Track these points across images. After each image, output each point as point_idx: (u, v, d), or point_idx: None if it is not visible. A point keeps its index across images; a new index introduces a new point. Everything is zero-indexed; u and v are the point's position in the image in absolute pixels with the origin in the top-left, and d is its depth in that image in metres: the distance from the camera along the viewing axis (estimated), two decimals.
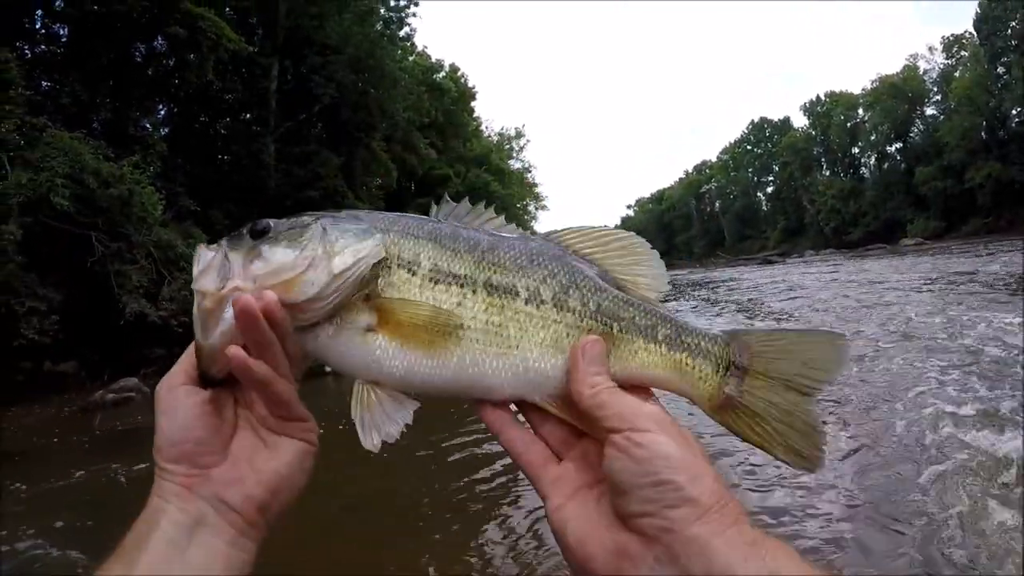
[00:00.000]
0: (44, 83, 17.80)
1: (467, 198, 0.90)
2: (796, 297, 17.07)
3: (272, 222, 0.79)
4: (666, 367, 0.82)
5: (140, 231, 14.80)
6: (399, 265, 0.79)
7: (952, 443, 5.17)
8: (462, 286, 0.79)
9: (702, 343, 0.84)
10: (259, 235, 0.77)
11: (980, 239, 24.98)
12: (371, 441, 0.76)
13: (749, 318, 14.62)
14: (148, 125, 20.89)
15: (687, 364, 0.82)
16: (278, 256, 0.76)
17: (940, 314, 10.50)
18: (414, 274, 0.78)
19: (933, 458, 4.95)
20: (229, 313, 0.73)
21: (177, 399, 0.76)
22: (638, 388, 0.80)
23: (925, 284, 14.88)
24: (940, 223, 40.28)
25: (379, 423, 0.76)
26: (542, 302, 0.80)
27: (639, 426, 0.69)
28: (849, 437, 5.76)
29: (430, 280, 0.78)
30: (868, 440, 5.60)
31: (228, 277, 0.75)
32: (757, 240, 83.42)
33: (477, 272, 0.80)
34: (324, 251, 0.76)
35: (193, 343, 0.77)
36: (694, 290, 24.28)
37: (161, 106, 22.18)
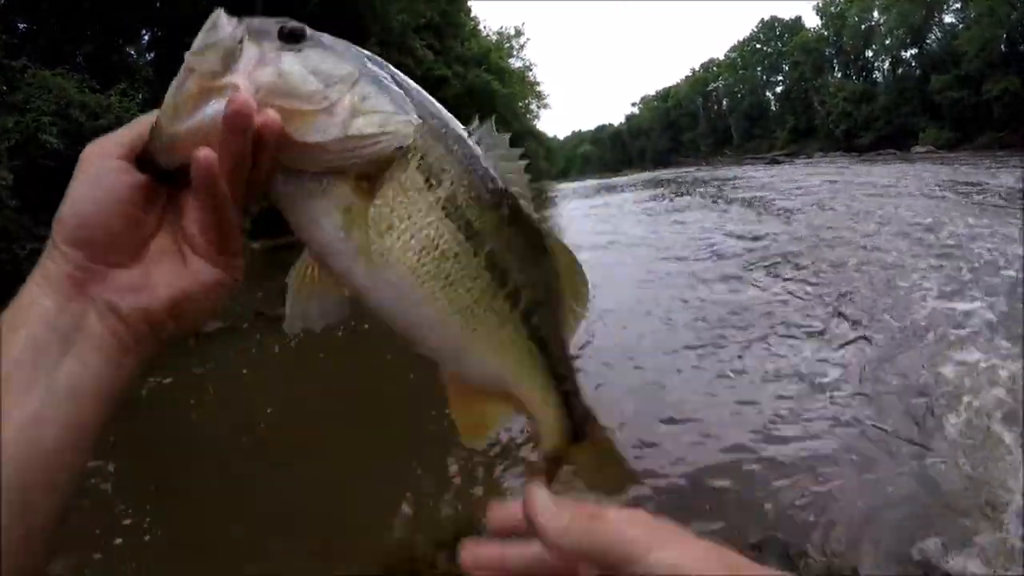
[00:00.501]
0: (20, 25, 17.56)
1: (507, 136, 0.71)
2: (803, 196, 16.90)
3: (309, 32, 0.63)
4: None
5: None
6: (419, 167, 0.63)
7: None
8: (468, 238, 0.64)
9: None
10: (289, 39, 0.62)
11: (992, 152, 24.50)
12: (294, 326, 0.64)
13: (757, 214, 14.43)
14: (133, 52, 20.65)
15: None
16: (298, 78, 0.61)
17: (945, 220, 10.38)
18: (430, 187, 0.63)
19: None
20: (215, 108, 0.58)
21: (105, 171, 0.62)
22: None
23: (933, 191, 14.67)
24: (953, 133, 39.56)
25: (309, 312, 0.65)
26: (515, 306, 0.68)
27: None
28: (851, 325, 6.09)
29: (441, 206, 0.63)
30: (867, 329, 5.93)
31: (233, 67, 0.60)
32: (765, 140, 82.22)
33: (490, 238, 0.65)
34: (351, 102, 0.61)
35: (150, 119, 0.62)
36: (700, 187, 24.02)
37: (145, 32, 21.66)
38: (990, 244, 8.47)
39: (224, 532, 3.93)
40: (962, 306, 6.31)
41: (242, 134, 0.57)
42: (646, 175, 38.60)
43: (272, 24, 0.62)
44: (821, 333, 6.16)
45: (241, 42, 0.60)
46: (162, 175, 0.62)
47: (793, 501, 3.64)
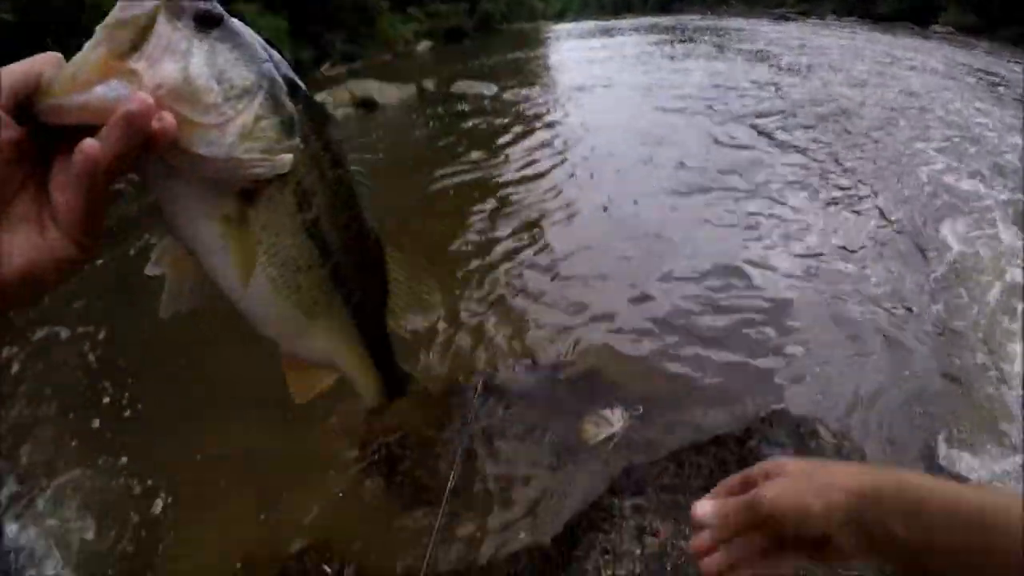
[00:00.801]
0: None
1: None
2: (813, 55, 16.13)
3: (228, 20, 0.60)
4: None
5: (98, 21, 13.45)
6: (294, 191, 0.65)
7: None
8: (322, 254, 0.70)
9: None
10: (203, 23, 0.58)
11: (1012, 47, 23.65)
12: (169, 310, 0.66)
13: (764, 68, 13.87)
14: None
15: None
16: (202, 85, 0.58)
17: (957, 102, 10.01)
18: (300, 210, 0.66)
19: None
20: (113, 92, 0.54)
21: None
22: None
23: (949, 71, 13.92)
24: (976, 18, 38.14)
25: (182, 298, 0.66)
26: (347, 303, 0.77)
27: None
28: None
29: (306, 228, 0.67)
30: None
31: (142, 49, 0.56)
32: None
33: (338, 254, 0.72)
34: (243, 122, 0.60)
35: (40, 63, 0.56)
36: (704, 36, 22.89)
37: None
38: (993, 131, 8.24)
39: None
40: (966, 184, 6.23)
41: (136, 134, 0.54)
42: (647, 20, 37.15)
43: (189, 2, 0.59)
44: (827, 195, 5.97)
45: (155, 19, 0.57)
46: (38, 128, 0.56)
47: (803, 374, 3.55)
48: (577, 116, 9.52)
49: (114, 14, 0.56)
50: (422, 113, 11.12)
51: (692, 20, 35.43)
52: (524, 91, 11.91)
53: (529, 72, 15.19)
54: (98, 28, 0.57)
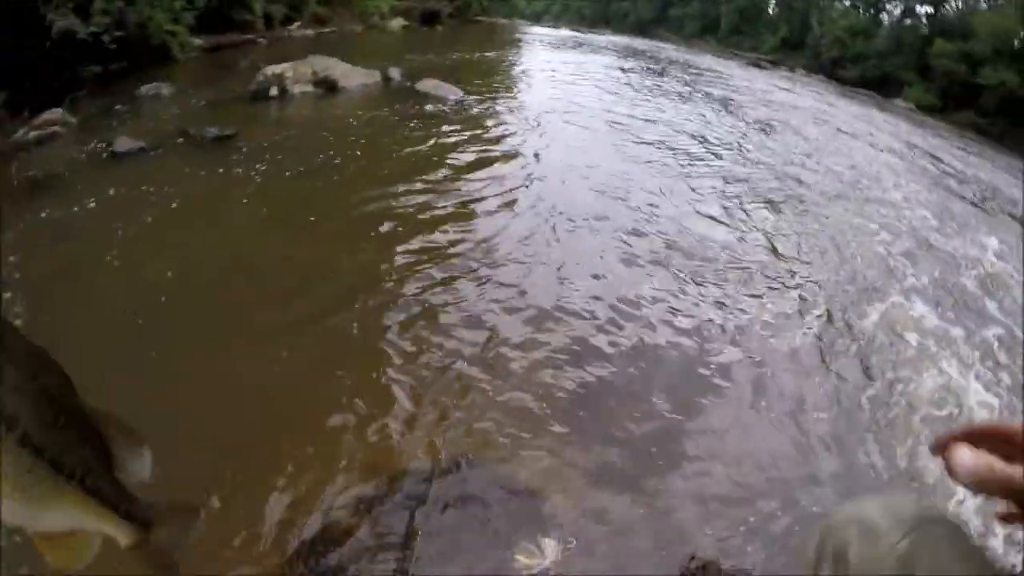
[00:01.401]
0: None
1: None
2: (775, 112, 16.44)
3: None
4: None
5: None
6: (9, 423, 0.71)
7: None
8: (23, 446, 0.73)
9: None
10: None
11: (968, 133, 24.53)
12: None
13: (736, 118, 13.80)
14: None
15: None
16: None
17: (921, 202, 10.19)
18: (11, 431, 0.72)
19: None
20: None
21: None
22: None
23: (911, 160, 14.24)
24: (937, 101, 39.51)
25: None
26: (60, 472, 0.80)
27: None
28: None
29: (17, 443, 0.72)
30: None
31: None
32: (750, 39, 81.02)
33: (38, 437, 0.75)
34: None
35: None
36: (675, 70, 22.90)
37: None
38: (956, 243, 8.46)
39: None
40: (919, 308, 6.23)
41: None
42: (622, 39, 37.05)
43: None
44: (772, 288, 5.90)
45: None
46: None
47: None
48: (538, 147, 9.18)
49: None
50: (381, 108, 10.65)
51: (666, 49, 35.48)
52: (489, 104, 11.48)
53: (498, 81, 14.79)
54: None
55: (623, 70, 20.09)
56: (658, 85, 17.35)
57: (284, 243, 5.79)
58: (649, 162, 9.10)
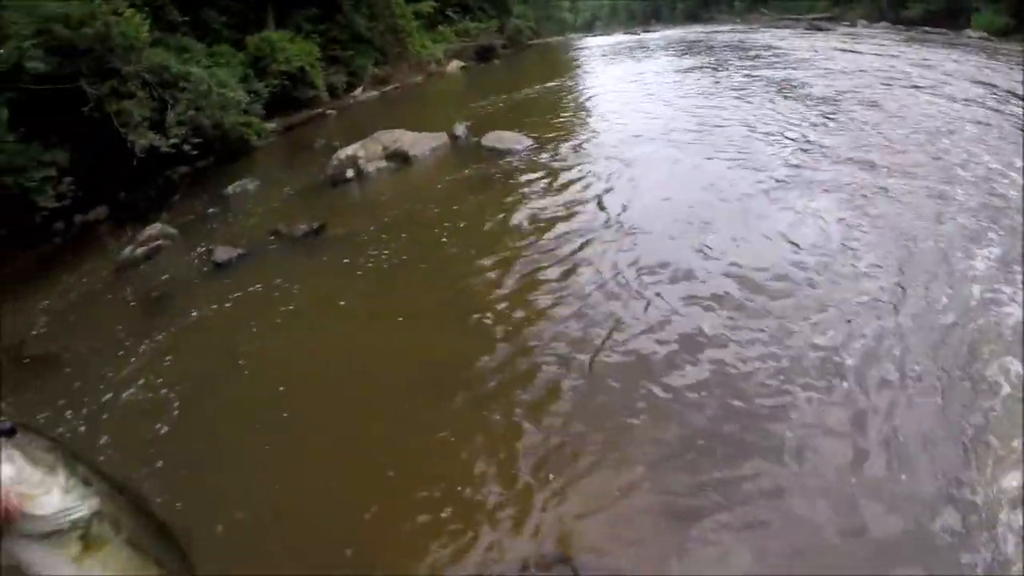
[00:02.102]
0: None
1: None
2: (839, 80, 15.87)
3: (19, 431, 0.91)
4: None
5: (128, 61, 13.87)
6: (105, 519, 0.96)
7: None
8: (138, 552, 1.00)
9: None
10: (7, 433, 0.89)
11: None
12: None
13: (801, 103, 13.36)
14: None
15: None
16: (26, 469, 0.88)
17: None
18: (117, 533, 0.98)
19: None
20: None
21: None
22: None
23: (981, 95, 13.35)
24: (1009, 20, 37.10)
25: None
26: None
27: None
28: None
29: (126, 542, 0.99)
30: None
31: None
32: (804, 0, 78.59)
33: (152, 548, 1.05)
34: (61, 486, 0.90)
35: None
36: (732, 57, 22.39)
37: None
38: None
39: None
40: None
41: None
42: (676, 32, 36.19)
43: None
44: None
45: None
46: None
47: None
48: (613, 188, 9.01)
49: None
50: (453, 173, 11.00)
51: (720, 32, 34.85)
52: (557, 149, 11.50)
53: (561, 117, 14.74)
54: None
55: (681, 72, 19.84)
56: (716, 83, 17.01)
57: (388, 337, 6.16)
58: (723, 186, 8.61)
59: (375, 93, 22.92)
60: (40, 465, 0.89)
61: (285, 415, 5.19)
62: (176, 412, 5.81)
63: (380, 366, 5.69)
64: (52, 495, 0.88)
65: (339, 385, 5.57)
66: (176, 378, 6.42)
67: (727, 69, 19.41)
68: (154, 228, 11.19)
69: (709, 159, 9.83)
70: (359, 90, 22.59)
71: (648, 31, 38.47)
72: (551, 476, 4.04)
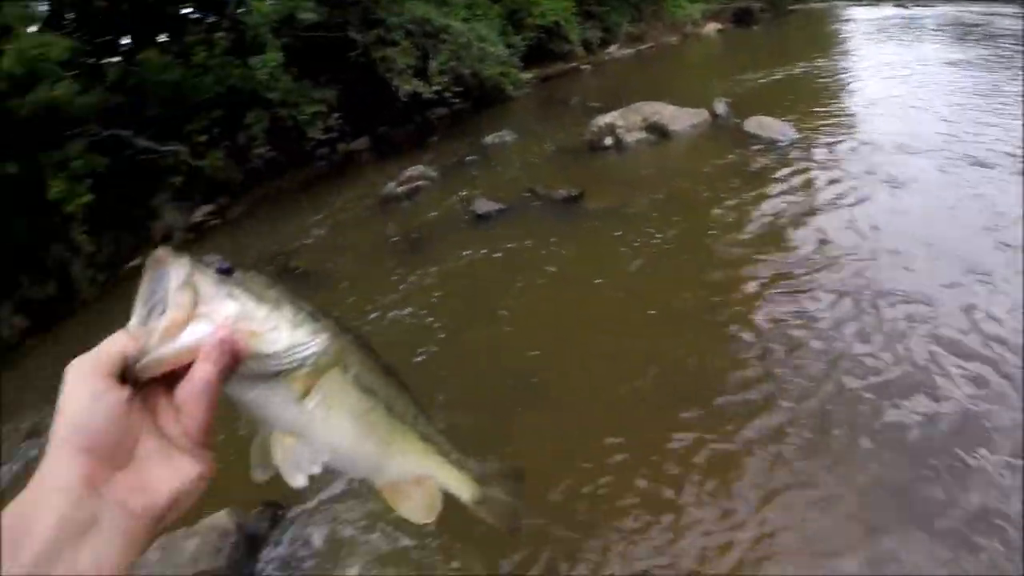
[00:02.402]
0: None
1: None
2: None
3: (235, 270, 0.85)
4: None
5: (392, 12, 15.27)
6: (334, 360, 0.86)
7: None
8: (370, 397, 0.89)
9: None
10: (224, 273, 0.83)
11: None
12: (298, 480, 0.84)
13: None
14: None
15: None
16: (249, 305, 0.82)
17: None
18: (344, 371, 0.87)
19: None
20: (199, 332, 0.77)
21: (99, 391, 0.72)
22: None
23: None
24: None
25: (302, 465, 0.84)
26: (403, 421, 0.94)
27: None
28: None
29: (354, 382, 0.87)
30: None
31: (201, 300, 0.79)
32: None
33: (380, 391, 0.90)
34: (289, 321, 0.83)
35: (121, 341, 0.76)
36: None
37: None
38: None
39: None
40: None
41: (228, 351, 0.75)
42: (951, 11, 31.51)
43: (204, 262, 0.83)
44: None
45: (193, 276, 0.79)
46: (141, 383, 0.76)
47: None
48: (882, 211, 7.98)
49: (171, 281, 0.78)
50: (713, 157, 10.75)
51: (1005, 16, 30.96)
52: (824, 148, 10.56)
53: (827, 107, 13.55)
54: (167, 297, 0.77)
55: (956, 66, 17.28)
56: (997, 87, 14.40)
57: (638, 331, 6.36)
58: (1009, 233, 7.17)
59: (630, 51, 22.85)
60: (265, 301, 0.83)
61: (533, 379, 5.73)
62: (435, 346, 6.58)
63: (624, 360, 5.88)
64: (280, 331, 0.82)
65: (582, 363, 5.94)
66: (437, 313, 7.18)
67: (1013, 68, 16.54)
68: (416, 169, 12.07)
69: (992, 186, 8.47)
70: (614, 47, 22.62)
71: (919, 4, 34.83)
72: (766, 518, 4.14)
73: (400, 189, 11.65)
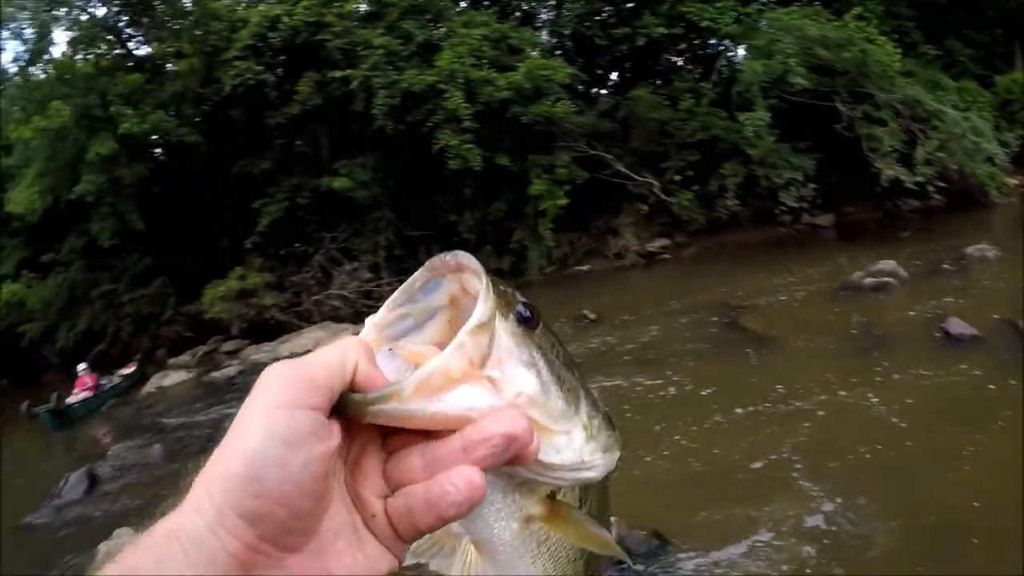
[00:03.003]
0: None
1: None
2: None
3: (542, 325, 0.62)
4: None
5: (882, 89, 14.62)
6: (579, 488, 0.70)
7: None
8: (597, 539, 0.71)
9: None
10: (527, 323, 0.60)
11: None
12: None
13: None
14: None
15: None
16: (554, 393, 0.60)
17: None
18: (581, 505, 0.70)
19: None
20: (481, 403, 0.52)
21: (302, 428, 0.48)
22: None
23: None
24: None
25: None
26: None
27: None
28: None
29: (587, 523, 0.69)
30: None
31: (493, 354, 0.56)
32: None
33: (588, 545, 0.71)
34: (583, 427, 0.62)
35: (350, 359, 0.52)
36: None
37: None
38: None
39: None
40: None
41: (510, 453, 0.52)
42: None
43: (510, 295, 0.60)
44: None
45: (494, 319, 0.56)
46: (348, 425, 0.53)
47: None
48: None
49: (424, 291, 0.59)
50: None
51: None
52: None
53: None
54: (393, 299, 0.59)
55: None
56: None
57: None
58: None
59: None
60: (564, 386, 0.60)
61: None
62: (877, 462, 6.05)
63: None
64: (572, 438, 0.61)
65: None
66: (871, 429, 6.46)
67: None
68: (887, 263, 11.49)
69: None
70: None
71: None
72: None
73: (867, 280, 11.11)
